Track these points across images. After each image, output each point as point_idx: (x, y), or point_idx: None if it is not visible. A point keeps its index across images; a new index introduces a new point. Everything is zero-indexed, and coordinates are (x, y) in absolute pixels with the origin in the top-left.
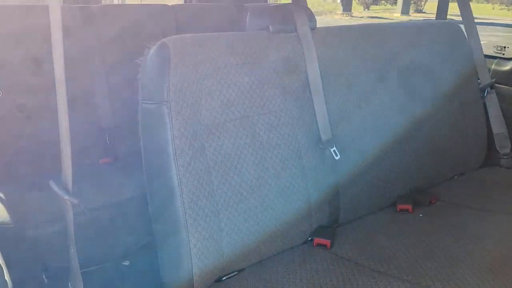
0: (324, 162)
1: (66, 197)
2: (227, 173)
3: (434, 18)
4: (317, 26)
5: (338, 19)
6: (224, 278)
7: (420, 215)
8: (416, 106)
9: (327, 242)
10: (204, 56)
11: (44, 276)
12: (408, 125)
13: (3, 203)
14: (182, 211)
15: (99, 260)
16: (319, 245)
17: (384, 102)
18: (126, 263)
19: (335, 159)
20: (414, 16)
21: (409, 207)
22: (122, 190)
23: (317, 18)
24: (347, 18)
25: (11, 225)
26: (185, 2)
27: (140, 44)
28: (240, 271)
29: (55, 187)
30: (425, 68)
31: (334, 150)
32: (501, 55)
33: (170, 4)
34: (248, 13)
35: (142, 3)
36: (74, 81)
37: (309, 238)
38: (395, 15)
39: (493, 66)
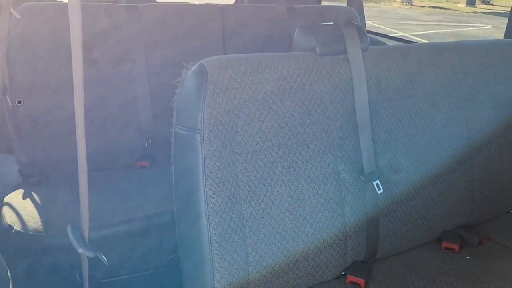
0: (365, 195)
1: (81, 250)
2: (259, 205)
3: (503, 11)
4: (374, 15)
5: (397, 7)
6: None
7: (467, 257)
8: (472, 133)
9: (361, 281)
10: (244, 81)
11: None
12: (460, 154)
13: (37, 209)
14: (209, 245)
15: (126, 271)
16: (352, 283)
17: (435, 131)
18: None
19: (377, 193)
20: (480, 8)
21: (455, 246)
22: (153, 202)
23: (373, 5)
24: (407, 7)
25: (43, 234)
26: (235, 2)
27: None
28: None
29: (71, 236)
30: (487, 92)
31: (377, 184)
32: None
33: (219, 4)
34: (295, 31)
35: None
36: (117, 82)
37: (342, 273)
38: (459, 5)
39: None
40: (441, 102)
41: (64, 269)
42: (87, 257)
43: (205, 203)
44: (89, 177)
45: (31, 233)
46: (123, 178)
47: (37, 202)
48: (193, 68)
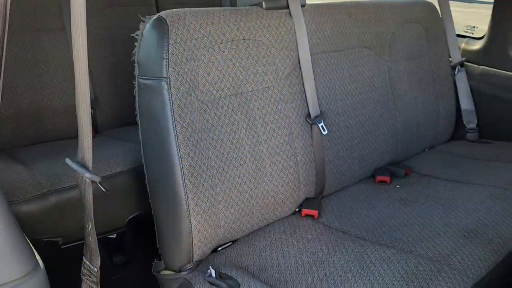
0: (312, 137)
1: (87, 175)
2: (223, 148)
3: None
4: None
5: None
6: (219, 249)
7: (397, 186)
8: (394, 82)
9: (314, 212)
10: (201, 32)
11: None
12: (385, 100)
13: None
14: (183, 185)
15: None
16: (307, 215)
17: (366, 80)
18: (113, 236)
19: (322, 134)
20: None
21: (387, 178)
22: (111, 164)
23: None
24: None
25: None
26: None
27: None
28: (234, 241)
29: (73, 165)
30: (403, 46)
31: (322, 126)
32: (470, 35)
33: None
34: None
35: None
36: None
37: (297, 209)
38: None
39: (463, 45)
40: (367, 54)
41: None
42: None
43: (177, 147)
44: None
45: None
46: (68, 147)
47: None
48: (151, 21)
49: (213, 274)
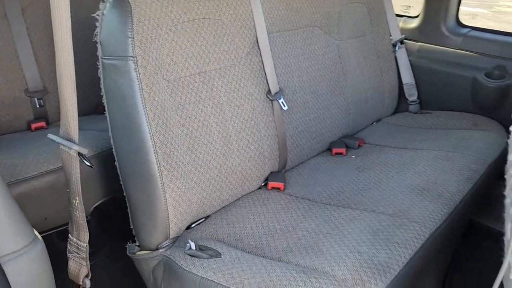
0: (273, 113)
1: (76, 147)
2: (192, 126)
3: None
4: None
5: None
6: (193, 225)
7: (353, 156)
8: (343, 60)
9: (280, 185)
10: (163, 11)
11: None
12: (336, 77)
13: None
14: (157, 163)
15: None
16: (273, 188)
17: (318, 57)
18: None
19: (283, 109)
20: None
21: (343, 150)
22: None
23: None
24: None
25: None
26: None
27: None
28: (207, 217)
29: (58, 139)
30: (349, 25)
31: (282, 102)
32: (407, 14)
33: None
34: None
35: None
36: None
37: (264, 184)
38: None
39: (401, 24)
40: (318, 33)
41: None
42: None
43: (148, 125)
44: None
45: None
46: (24, 139)
47: None
48: (112, 0)
49: (193, 247)
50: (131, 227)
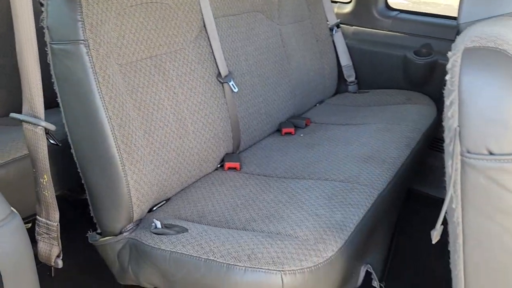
0: (225, 95)
1: (43, 123)
2: (147, 109)
3: None
4: None
5: None
6: (155, 208)
7: (301, 135)
8: (286, 44)
9: (236, 164)
10: None
11: None
12: (280, 60)
13: None
14: (116, 147)
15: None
16: (230, 168)
17: (262, 41)
18: (28, 226)
19: (233, 92)
20: None
21: (292, 130)
22: (17, 147)
23: None
24: None
25: None
26: None
27: None
28: (167, 200)
29: (23, 117)
30: (288, 11)
31: (232, 84)
32: (341, 0)
33: None
34: None
35: None
36: None
37: (220, 165)
38: None
39: (336, 10)
40: (261, 17)
41: None
42: None
43: (104, 109)
44: None
45: None
46: None
47: None
48: None
49: (159, 225)
50: (92, 215)
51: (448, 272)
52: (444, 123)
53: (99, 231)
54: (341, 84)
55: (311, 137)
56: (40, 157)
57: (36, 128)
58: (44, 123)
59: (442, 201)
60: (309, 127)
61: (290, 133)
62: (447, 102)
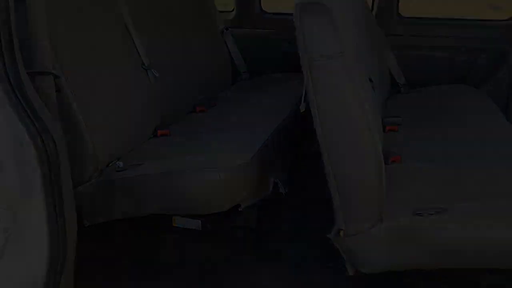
0: (150, 82)
1: None
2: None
3: None
4: None
5: None
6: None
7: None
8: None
9: (167, 131)
10: None
11: None
12: (179, 55)
13: None
14: None
15: None
16: (162, 135)
17: (161, 33)
18: None
19: (156, 77)
20: None
21: (205, 109)
22: None
23: None
24: None
25: None
26: None
27: None
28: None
29: None
30: (180, 10)
31: (154, 71)
32: (226, 9)
33: None
34: None
35: None
36: None
37: (153, 135)
38: None
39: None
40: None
41: None
42: None
43: None
44: None
45: None
46: None
47: None
48: None
49: (122, 165)
50: None
51: None
52: None
53: None
54: (235, 76)
55: (219, 114)
56: None
57: None
58: None
59: None
60: (217, 107)
61: (203, 111)
62: None
